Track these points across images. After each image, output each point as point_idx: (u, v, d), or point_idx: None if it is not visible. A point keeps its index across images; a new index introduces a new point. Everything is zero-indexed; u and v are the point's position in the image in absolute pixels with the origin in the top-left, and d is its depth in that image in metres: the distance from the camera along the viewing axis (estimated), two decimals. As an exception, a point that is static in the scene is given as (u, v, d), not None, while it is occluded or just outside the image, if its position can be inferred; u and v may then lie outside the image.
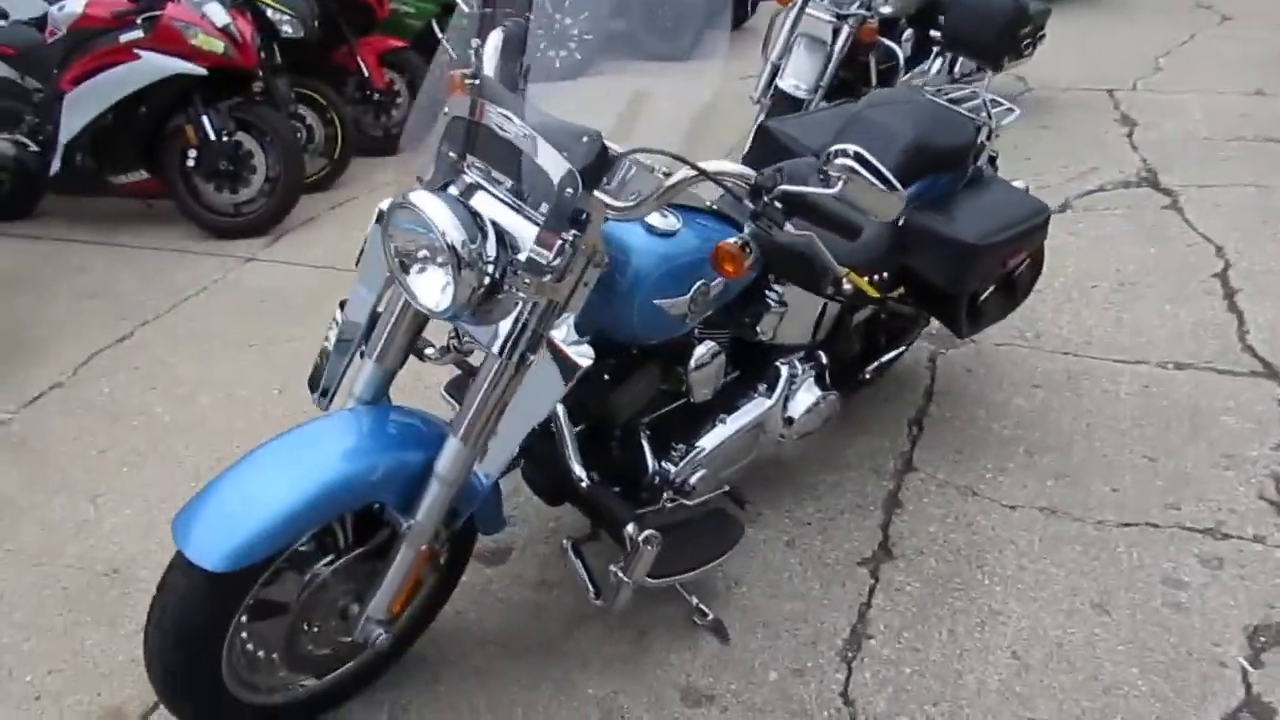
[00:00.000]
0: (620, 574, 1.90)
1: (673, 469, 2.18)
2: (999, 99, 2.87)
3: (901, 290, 2.56)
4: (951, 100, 2.73)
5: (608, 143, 1.61)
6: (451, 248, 1.57)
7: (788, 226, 1.66)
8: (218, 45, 4.25)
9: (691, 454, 2.20)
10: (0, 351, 3.50)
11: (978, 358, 3.21)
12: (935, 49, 4.31)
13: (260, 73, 4.53)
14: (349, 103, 5.52)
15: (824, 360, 2.46)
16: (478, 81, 1.73)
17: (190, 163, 4.40)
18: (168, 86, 4.28)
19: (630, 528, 1.88)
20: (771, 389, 2.34)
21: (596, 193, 1.63)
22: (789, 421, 2.34)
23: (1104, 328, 3.35)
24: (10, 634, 2.22)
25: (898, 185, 1.61)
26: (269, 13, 4.76)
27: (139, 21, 4.17)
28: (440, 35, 5.64)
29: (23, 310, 3.82)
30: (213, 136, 4.36)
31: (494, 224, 1.67)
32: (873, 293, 2.17)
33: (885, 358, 2.65)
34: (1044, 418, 2.88)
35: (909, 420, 2.91)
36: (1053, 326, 3.37)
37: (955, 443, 2.79)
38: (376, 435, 1.79)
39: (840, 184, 1.61)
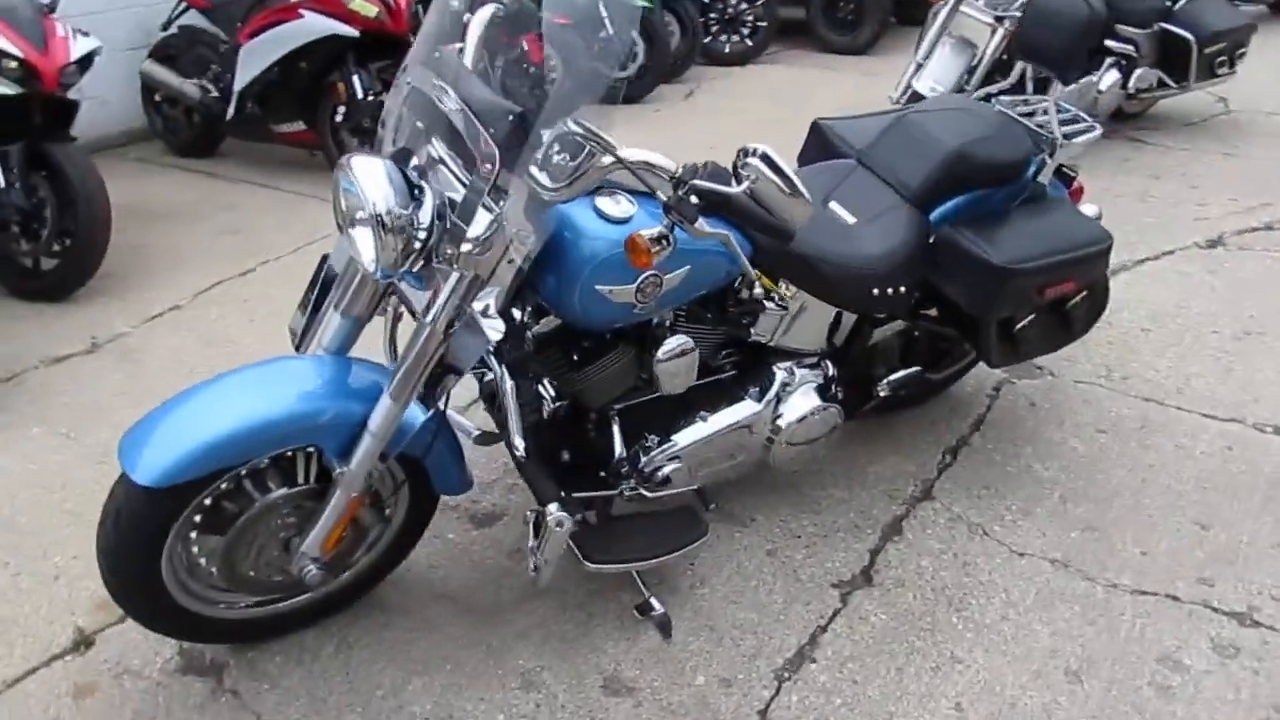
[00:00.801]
0: (531, 552, 1.92)
1: (642, 458, 2.17)
2: (1082, 115, 2.63)
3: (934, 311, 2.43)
4: (1027, 113, 2.53)
5: (585, 123, 1.62)
6: (375, 212, 1.63)
7: (701, 223, 1.61)
8: (371, 10, 4.51)
9: (664, 446, 2.19)
10: (142, 272, 3.89)
11: (1048, 393, 2.98)
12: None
13: (412, 38, 4.77)
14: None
15: (830, 370, 2.37)
16: (438, 55, 1.78)
17: (339, 118, 4.72)
18: (326, 45, 4.59)
19: (552, 508, 1.89)
20: (763, 393, 2.28)
21: (533, 170, 1.65)
22: (776, 428, 2.27)
23: (1206, 378, 3.03)
24: (56, 519, 2.49)
25: (803, 191, 1.54)
26: (433, -18, 4.98)
27: (300, -17, 4.49)
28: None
29: (172, 238, 4.22)
30: (360, 95, 4.64)
31: (441, 196, 1.71)
32: (783, 294, 2.05)
33: (897, 375, 2.50)
34: (1095, 465, 2.65)
35: (946, 448, 2.75)
36: (1147, 369, 3.08)
37: (986, 477, 2.62)
38: (329, 383, 1.88)
39: (747, 183, 1.55)
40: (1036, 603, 2.21)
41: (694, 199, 1.60)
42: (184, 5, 5.28)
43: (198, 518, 1.86)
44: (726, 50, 7.23)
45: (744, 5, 7.17)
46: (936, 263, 2.30)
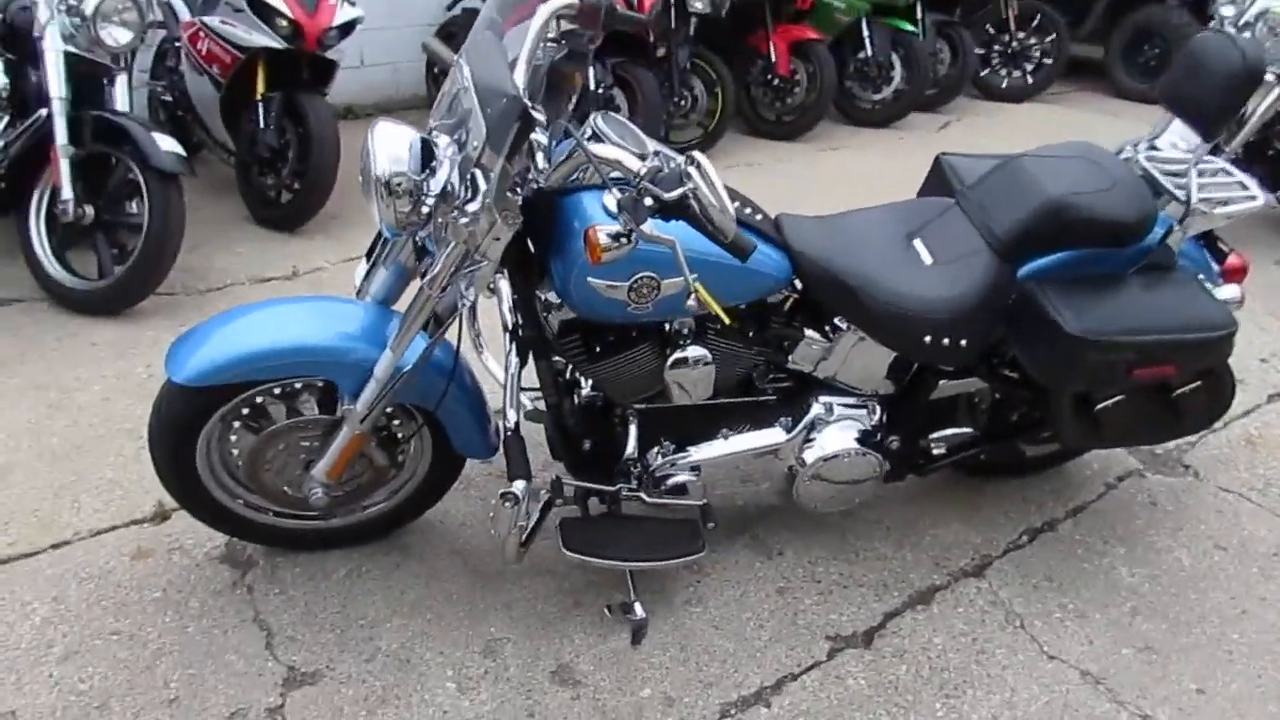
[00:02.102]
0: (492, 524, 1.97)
1: (653, 462, 2.17)
2: (1248, 181, 2.27)
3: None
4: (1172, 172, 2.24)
5: (532, 107, 1.67)
6: (376, 175, 1.75)
7: (650, 226, 1.59)
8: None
9: (677, 455, 2.17)
10: (360, 219, 4.32)
11: (1179, 494, 2.62)
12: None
13: (650, 37, 4.95)
14: (754, 84, 5.78)
15: (879, 415, 2.23)
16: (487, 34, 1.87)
17: (570, 104, 4.97)
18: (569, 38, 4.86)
19: (517, 485, 1.93)
20: (795, 423, 2.20)
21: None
22: (802, 461, 2.18)
23: (1392, 519, 2.53)
24: (119, 439, 2.74)
25: (728, 206, 1.48)
26: (684, -12, 5.13)
27: (554, -23, 4.77)
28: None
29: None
30: (593, 86, 4.87)
31: (454, 169, 1.81)
32: (725, 316, 1.78)
33: (946, 432, 2.30)
34: (1193, 584, 2.31)
35: (1028, 529, 2.50)
36: (1320, 494, 2.63)
37: (1054, 569, 2.36)
38: (360, 328, 2.04)
39: (684, 188, 1.51)
40: (1040, 712, 1.98)
41: (648, 201, 1.59)
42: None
43: (244, 411, 2.08)
44: (1003, 85, 6.82)
45: (1032, 40, 6.73)
46: (1013, 320, 2.11)
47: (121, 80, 3.54)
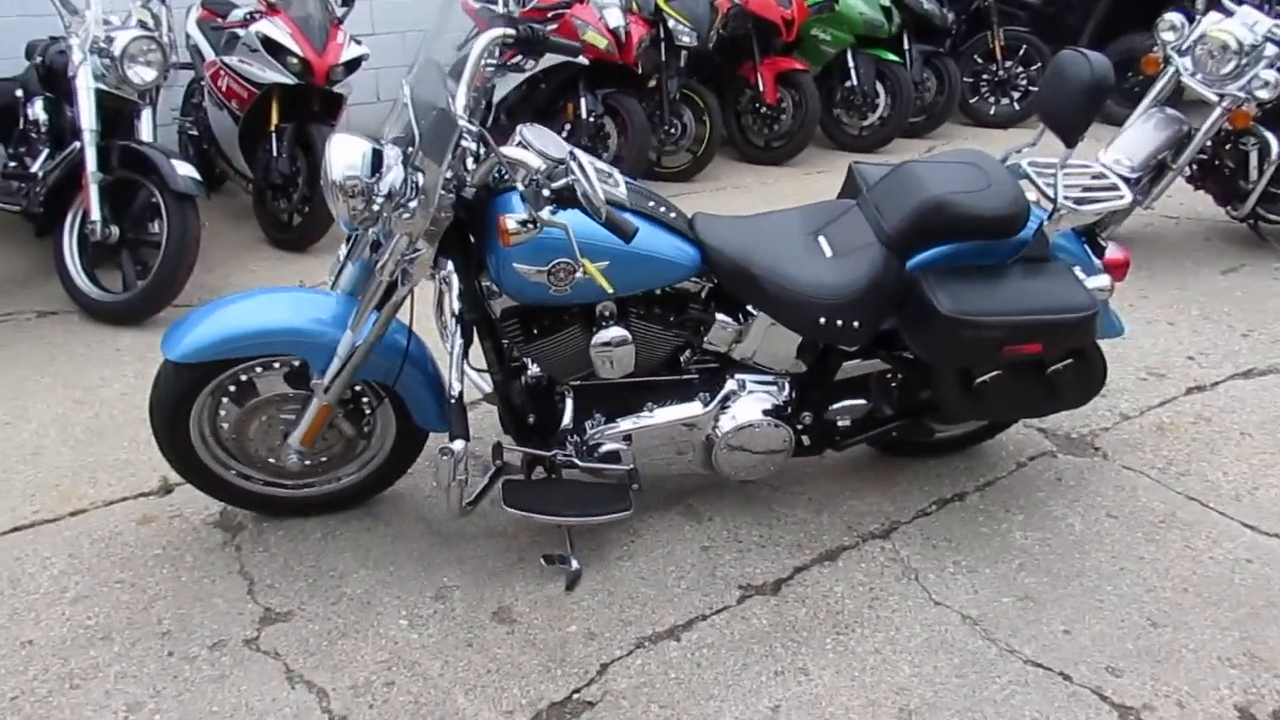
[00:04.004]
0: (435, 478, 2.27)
1: (587, 431, 2.47)
2: (1120, 183, 2.51)
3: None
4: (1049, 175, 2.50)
5: (459, 118, 1.99)
6: (330, 179, 2.09)
7: (545, 212, 1.90)
8: (601, 42, 5.09)
9: (607, 426, 2.47)
10: (366, 241, 4.69)
11: (1083, 472, 2.86)
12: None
13: (639, 69, 5.31)
14: (744, 112, 6.12)
15: (787, 391, 2.51)
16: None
17: (564, 133, 5.33)
18: (563, 70, 5.23)
19: (456, 444, 2.23)
20: (711, 398, 2.48)
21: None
22: (716, 431, 2.46)
23: (1277, 492, 2.74)
24: (134, 428, 3.05)
25: (599, 193, 1.80)
26: (670, 23, 5.48)
27: (549, 15, 5.16)
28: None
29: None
30: (584, 115, 5.24)
31: (398, 172, 2.14)
32: (606, 285, 2.13)
33: (843, 403, 2.56)
34: (1080, 546, 2.55)
35: (937, 499, 2.75)
36: (1214, 471, 2.86)
37: (954, 533, 2.61)
38: (328, 314, 2.36)
39: (566, 180, 1.83)
40: (919, 646, 2.23)
41: (544, 192, 1.90)
42: (474, 28, 6.19)
43: (230, 388, 2.41)
44: (991, 112, 7.10)
45: (1019, 69, 7.01)
46: (902, 305, 2.38)
47: (146, 114, 3.96)
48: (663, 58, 5.55)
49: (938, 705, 2.07)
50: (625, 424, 2.47)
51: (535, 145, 2.04)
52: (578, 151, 1.90)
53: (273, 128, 4.44)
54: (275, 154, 4.48)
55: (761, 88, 5.94)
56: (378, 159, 2.16)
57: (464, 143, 2.06)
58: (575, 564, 2.44)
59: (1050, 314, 2.29)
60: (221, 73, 4.48)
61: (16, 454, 2.91)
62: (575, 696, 2.10)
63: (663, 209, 2.38)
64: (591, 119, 5.26)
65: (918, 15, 6.45)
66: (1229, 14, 4.26)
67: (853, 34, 6.14)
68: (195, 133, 5.03)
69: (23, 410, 3.15)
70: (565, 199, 1.90)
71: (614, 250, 2.15)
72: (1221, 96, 4.15)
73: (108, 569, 2.45)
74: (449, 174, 2.05)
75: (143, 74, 3.85)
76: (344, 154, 2.12)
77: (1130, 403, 3.25)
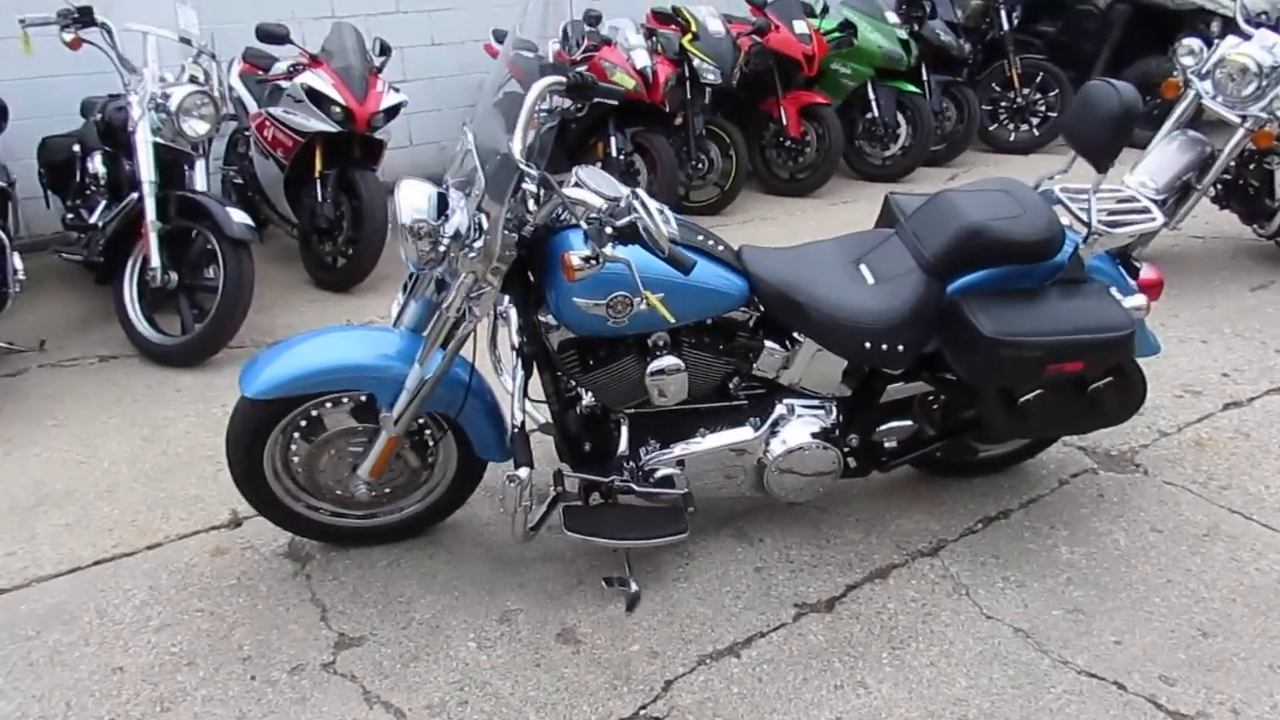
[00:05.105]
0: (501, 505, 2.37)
1: (642, 457, 2.56)
2: (1152, 205, 2.60)
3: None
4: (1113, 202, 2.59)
5: (520, 162, 2.11)
6: (400, 223, 2.21)
7: (610, 248, 2.01)
8: (629, 82, 5.25)
9: (663, 452, 2.56)
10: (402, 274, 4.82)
11: (1126, 488, 2.93)
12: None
13: (666, 107, 5.46)
14: (768, 145, 6.25)
15: (835, 415, 2.60)
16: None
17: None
18: (594, 110, 5.38)
19: (521, 471, 2.33)
20: (762, 422, 2.57)
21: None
22: (767, 455, 2.55)
23: (1320, 505, 2.81)
24: (201, 464, 3.18)
25: (663, 230, 1.90)
26: (695, 62, 5.63)
27: (579, 57, 5.33)
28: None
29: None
30: (615, 154, 5.38)
31: (465, 215, 2.26)
32: (668, 316, 2.24)
33: (890, 425, 2.65)
34: (1126, 560, 2.61)
35: (983, 517, 2.82)
36: (1255, 485, 2.92)
37: (1001, 549, 2.68)
38: (394, 350, 2.48)
39: (630, 218, 1.94)
40: (973, 659, 2.29)
41: (607, 230, 2.01)
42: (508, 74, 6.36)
43: (303, 423, 2.52)
44: (1011, 139, 7.21)
45: (1037, 95, 7.12)
46: (944, 328, 2.47)
47: (200, 165, 4.13)
48: (688, 95, 5.70)
49: (995, 715, 2.13)
50: (679, 449, 2.56)
51: (591, 185, 2.15)
52: (639, 190, 2.01)
53: (317, 174, 4.60)
54: (320, 199, 4.63)
55: (785, 122, 6.07)
56: (443, 202, 2.29)
57: (525, 185, 2.18)
58: (634, 585, 2.53)
59: (1089, 333, 2.38)
60: (267, 123, 4.65)
61: (93, 490, 3.04)
62: (642, 712, 2.18)
63: (711, 242, 2.48)
64: (621, 156, 5.41)
65: (935, 46, 6.60)
66: (1247, 38, 4.36)
67: (872, 67, 6.28)
68: (240, 181, 5.20)
69: (94, 450, 3.28)
70: (627, 235, 2.01)
71: (670, 282, 2.26)
72: (1244, 118, 4.24)
73: (187, 599, 2.55)
74: (509, 214, 2.17)
75: (197, 127, 4.02)
76: (411, 198, 2.25)
77: (1168, 420, 3.32)
